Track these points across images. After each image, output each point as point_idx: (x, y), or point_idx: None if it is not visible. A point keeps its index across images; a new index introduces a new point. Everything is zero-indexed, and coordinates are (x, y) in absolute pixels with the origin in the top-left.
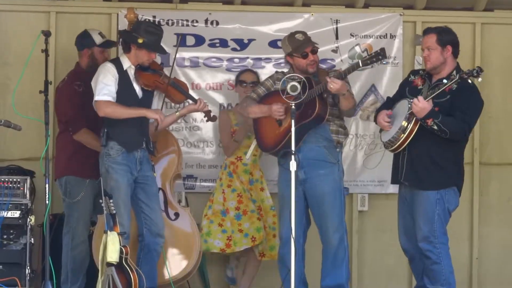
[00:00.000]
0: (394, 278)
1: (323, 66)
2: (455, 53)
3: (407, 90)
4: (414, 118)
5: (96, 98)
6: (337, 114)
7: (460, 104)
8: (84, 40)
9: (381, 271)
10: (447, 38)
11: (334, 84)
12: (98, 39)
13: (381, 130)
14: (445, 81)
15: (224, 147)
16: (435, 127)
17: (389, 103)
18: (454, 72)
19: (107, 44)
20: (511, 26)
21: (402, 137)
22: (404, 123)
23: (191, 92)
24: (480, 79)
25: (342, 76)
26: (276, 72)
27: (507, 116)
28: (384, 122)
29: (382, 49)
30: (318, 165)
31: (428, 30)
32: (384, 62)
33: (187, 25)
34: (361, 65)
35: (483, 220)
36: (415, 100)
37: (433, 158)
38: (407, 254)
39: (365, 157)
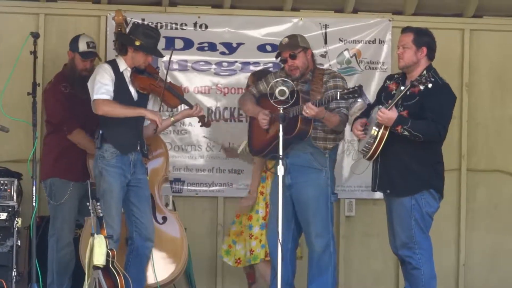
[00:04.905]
0: (381, 283)
1: (322, 65)
2: (430, 56)
3: (383, 96)
4: (383, 125)
5: (95, 97)
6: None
7: (430, 105)
8: (72, 43)
9: (368, 276)
10: (423, 39)
11: (309, 110)
12: (82, 47)
13: (359, 139)
14: (402, 88)
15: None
16: (406, 133)
17: (368, 110)
18: (425, 72)
19: (86, 55)
20: (500, 33)
21: (374, 145)
22: (374, 132)
23: None
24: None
25: (317, 104)
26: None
27: (495, 122)
28: (358, 132)
29: (360, 86)
30: (304, 171)
31: (406, 29)
32: (358, 100)
33: (176, 29)
34: (338, 97)
35: (470, 226)
36: (379, 112)
37: (404, 163)
38: (399, 258)
39: (353, 162)
